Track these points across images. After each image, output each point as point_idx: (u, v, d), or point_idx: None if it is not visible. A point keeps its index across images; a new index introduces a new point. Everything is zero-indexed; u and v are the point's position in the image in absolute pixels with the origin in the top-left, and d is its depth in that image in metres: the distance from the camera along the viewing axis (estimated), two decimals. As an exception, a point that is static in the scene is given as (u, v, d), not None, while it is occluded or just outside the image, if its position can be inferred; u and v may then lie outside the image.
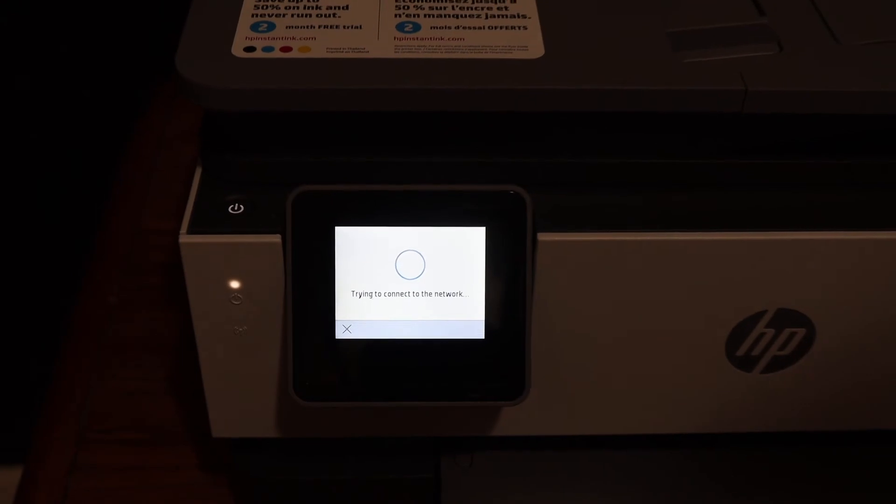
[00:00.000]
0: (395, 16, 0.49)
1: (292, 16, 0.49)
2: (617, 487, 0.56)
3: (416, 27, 0.48)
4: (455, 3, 0.50)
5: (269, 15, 0.49)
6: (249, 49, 0.47)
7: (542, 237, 0.46)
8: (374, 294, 0.47)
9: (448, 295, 0.47)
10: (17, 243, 1.14)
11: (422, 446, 0.56)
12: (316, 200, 0.46)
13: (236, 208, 0.47)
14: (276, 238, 0.46)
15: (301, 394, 0.47)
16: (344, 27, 0.48)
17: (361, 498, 0.57)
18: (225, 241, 0.46)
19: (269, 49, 0.47)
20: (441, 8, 0.49)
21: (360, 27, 0.48)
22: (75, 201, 0.99)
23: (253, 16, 0.49)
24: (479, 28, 0.48)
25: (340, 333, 0.47)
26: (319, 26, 0.48)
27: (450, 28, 0.48)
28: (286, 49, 0.47)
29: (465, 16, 0.49)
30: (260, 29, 0.48)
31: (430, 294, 0.47)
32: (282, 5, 0.49)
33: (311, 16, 0.49)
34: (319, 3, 0.50)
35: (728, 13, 0.51)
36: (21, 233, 1.13)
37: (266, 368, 0.50)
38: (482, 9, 0.50)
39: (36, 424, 0.68)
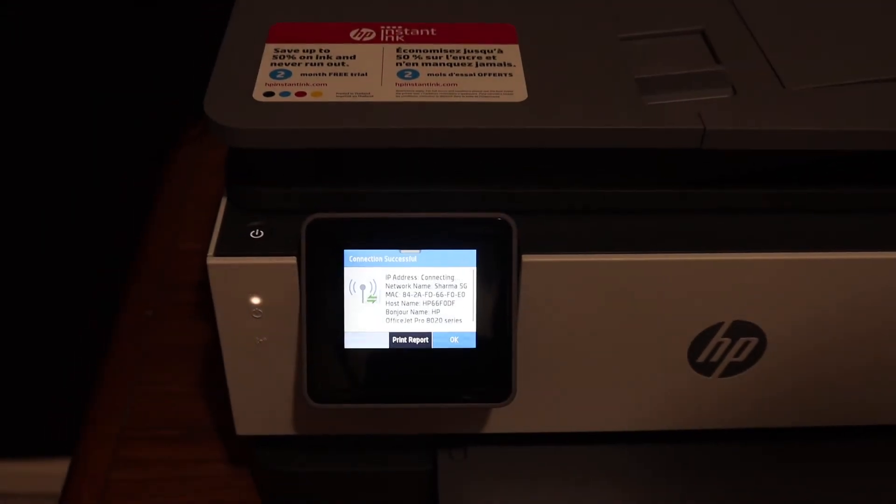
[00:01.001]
0: (397, 64, 0.49)
1: (306, 65, 0.49)
2: (596, 477, 0.56)
3: (415, 74, 0.48)
4: (449, 54, 0.50)
5: (286, 64, 0.49)
6: (268, 94, 0.46)
7: (527, 258, 0.46)
8: (377, 308, 0.46)
9: (443, 309, 0.47)
10: (66, 262, 1.14)
11: (420, 442, 0.56)
12: (327, 226, 0.46)
13: (257, 233, 0.47)
14: (292, 260, 0.46)
15: (313, 396, 0.47)
16: (351, 74, 0.48)
17: (367, 487, 0.56)
18: (247, 263, 0.46)
19: (285, 94, 0.46)
20: (437, 58, 0.49)
21: (366, 74, 0.48)
22: (117, 226, 0.99)
23: (272, 65, 0.48)
24: (471, 75, 0.48)
25: (348, 343, 0.47)
26: (330, 74, 0.48)
27: (444, 75, 0.48)
28: (301, 94, 0.46)
29: (458, 64, 0.49)
30: (278, 76, 0.48)
31: (428, 308, 0.47)
32: (297, 56, 0.49)
33: (322, 65, 0.49)
34: (330, 54, 0.50)
35: (688, 61, 0.51)
36: (70, 253, 1.13)
37: (283, 374, 0.50)
38: (473, 58, 0.49)
39: (82, 422, 0.68)
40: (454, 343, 0.47)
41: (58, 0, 0.98)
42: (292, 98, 0.46)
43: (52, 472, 0.98)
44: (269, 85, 0.47)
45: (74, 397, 0.80)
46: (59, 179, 1.08)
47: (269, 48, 0.50)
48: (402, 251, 0.46)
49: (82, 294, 1.14)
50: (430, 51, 0.50)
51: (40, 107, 1.04)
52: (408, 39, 0.51)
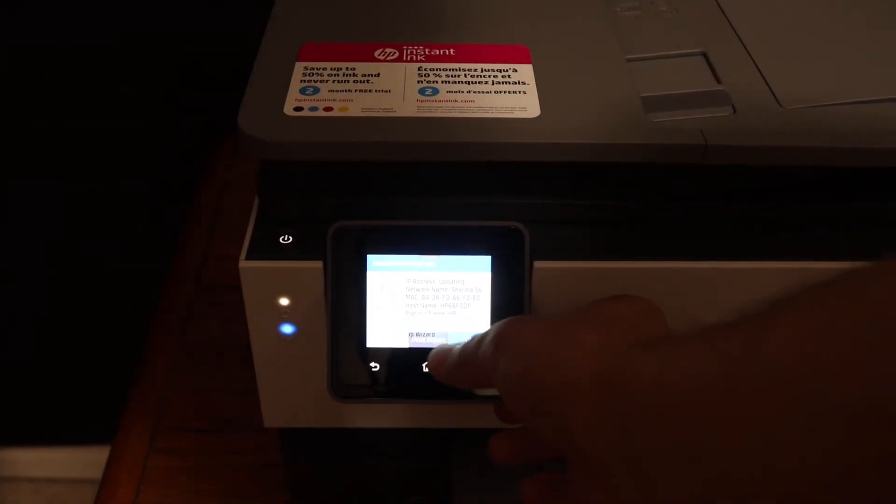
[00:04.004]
0: (418, 82, 0.49)
1: (333, 82, 0.48)
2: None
3: (435, 91, 0.48)
4: (467, 72, 0.49)
5: (314, 81, 0.48)
6: (298, 109, 0.46)
7: (538, 265, 0.46)
8: (398, 310, 0.46)
9: (460, 311, 0.46)
10: (109, 265, 1.14)
11: (437, 436, 0.55)
12: (351, 233, 0.45)
13: (286, 239, 0.46)
14: (318, 264, 0.45)
15: (336, 392, 0.47)
16: (376, 91, 0.48)
17: (386, 478, 0.56)
18: (276, 267, 0.46)
19: (314, 109, 0.46)
20: (455, 76, 0.49)
21: (389, 91, 0.48)
22: (158, 233, 0.99)
23: (301, 82, 0.48)
24: (487, 92, 0.48)
25: (370, 342, 0.46)
26: (356, 90, 0.48)
27: (462, 92, 0.48)
28: (328, 109, 0.46)
29: (476, 82, 0.49)
30: (307, 93, 0.47)
31: (445, 311, 0.46)
32: (325, 73, 0.49)
33: (348, 82, 0.48)
34: (356, 72, 0.49)
35: (691, 81, 0.50)
36: (113, 257, 1.14)
37: (309, 370, 0.49)
38: (489, 77, 0.49)
39: (121, 413, 0.68)
40: (469, 343, 0.46)
41: (107, 19, 0.98)
42: (320, 113, 0.46)
43: (92, 459, 0.98)
44: (299, 100, 0.47)
45: (115, 390, 0.80)
46: (109, 190, 1.09)
47: (300, 66, 0.50)
48: (422, 256, 0.46)
49: (124, 294, 1.14)
50: (449, 69, 0.50)
51: (94, 127, 1.05)
52: (428, 59, 0.51)
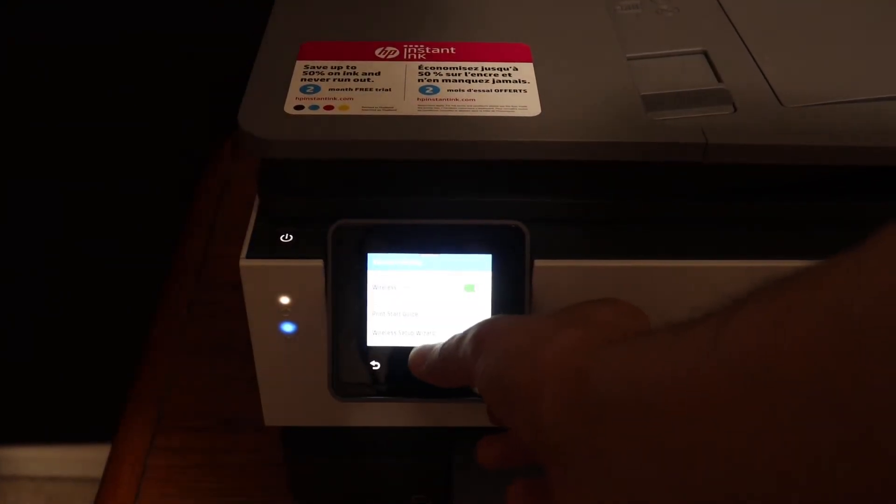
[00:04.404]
0: (419, 80, 0.48)
1: (334, 80, 0.48)
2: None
3: (436, 90, 0.48)
4: (468, 71, 0.49)
5: (315, 80, 0.48)
6: (299, 107, 0.46)
7: (538, 263, 0.45)
8: (399, 308, 0.46)
9: (461, 310, 0.46)
10: (111, 264, 1.14)
11: (437, 435, 0.55)
12: (352, 232, 0.45)
13: (286, 237, 0.46)
14: (319, 262, 0.45)
15: (337, 391, 0.46)
16: (376, 90, 0.48)
17: (386, 476, 0.56)
18: (276, 265, 0.45)
19: (314, 107, 0.46)
20: (456, 75, 0.49)
21: (390, 90, 0.47)
22: (159, 231, 0.99)
23: (302, 80, 0.48)
24: (488, 91, 0.48)
25: (370, 341, 0.46)
26: (356, 89, 0.48)
27: (463, 91, 0.48)
28: (329, 107, 0.46)
29: (476, 81, 0.48)
30: (307, 91, 0.47)
31: (445, 309, 0.46)
32: (325, 72, 0.49)
33: (349, 80, 0.48)
34: (356, 70, 0.49)
35: (692, 80, 0.50)
36: (114, 256, 1.13)
37: (309, 369, 0.49)
38: (490, 76, 0.49)
39: (122, 412, 0.67)
40: (470, 342, 0.46)
41: (114, 20, 0.98)
42: (321, 111, 0.46)
43: (93, 458, 0.98)
44: (300, 99, 0.46)
45: (115, 388, 0.80)
46: (109, 190, 1.09)
47: (300, 65, 0.49)
48: (423, 255, 0.45)
49: (124, 294, 1.14)
50: (450, 68, 0.49)
51: (94, 127, 1.04)
52: (429, 57, 0.50)
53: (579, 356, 0.34)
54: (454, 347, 0.41)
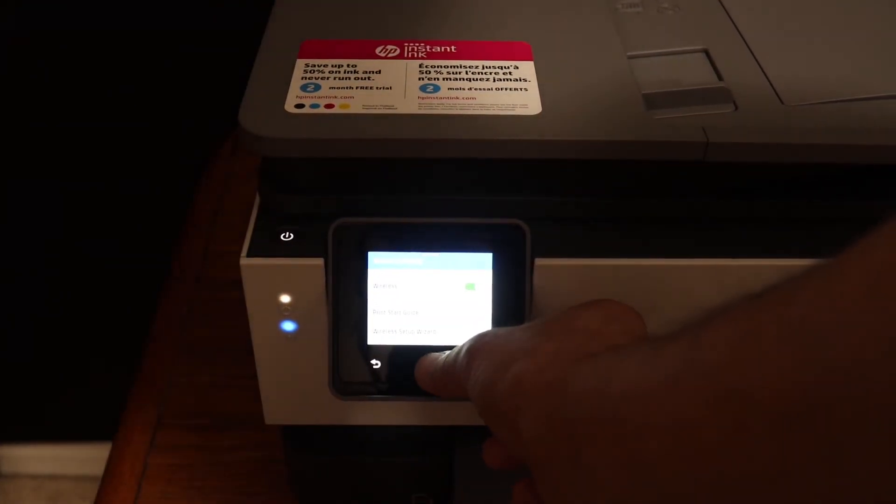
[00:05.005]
0: (419, 79, 0.48)
1: (335, 79, 0.48)
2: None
3: (437, 88, 0.47)
4: (468, 69, 0.49)
5: (315, 78, 0.48)
6: (299, 106, 0.46)
7: (539, 262, 0.45)
8: (399, 307, 0.46)
9: (461, 308, 0.46)
10: (112, 263, 1.14)
11: (439, 433, 0.55)
12: (352, 230, 0.45)
13: (287, 236, 0.46)
14: (319, 261, 0.45)
15: (337, 390, 0.46)
16: (377, 88, 0.47)
17: (388, 475, 0.55)
18: (277, 264, 0.45)
19: (315, 106, 0.46)
20: (457, 73, 0.49)
21: (391, 88, 0.47)
22: (159, 230, 0.99)
23: (302, 79, 0.48)
24: (488, 89, 0.47)
25: (371, 340, 0.46)
26: (357, 87, 0.47)
27: (464, 89, 0.47)
28: (329, 106, 0.46)
29: (477, 79, 0.48)
30: (308, 90, 0.47)
31: (446, 307, 0.46)
32: (326, 70, 0.48)
33: (350, 79, 0.48)
34: (357, 69, 0.49)
35: (693, 78, 0.50)
36: (115, 254, 1.13)
37: (310, 368, 0.49)
38: (490, 74, 0.49)
39: (123, 410, 0.67)
40: (471, 340, 0.46)
41: (116, 21, 0.98)
42: (321, 110, 0.45)
43: (94, 456, 0.97)
44: (300, 97, 0.46)
45: (116, 387, 0.79)
46: (109, 190, 1.09)
47: (300, 63, 0.49)
48: (423, 254, 0.45)
49: (124, 294, 1.14)
50: (451, 66, 0.49)
51: (94, 127, 1.04)
52: (430, 56, 0.50)
53: (558, 368, 0.35)
54: (453, 360, 0.42)
